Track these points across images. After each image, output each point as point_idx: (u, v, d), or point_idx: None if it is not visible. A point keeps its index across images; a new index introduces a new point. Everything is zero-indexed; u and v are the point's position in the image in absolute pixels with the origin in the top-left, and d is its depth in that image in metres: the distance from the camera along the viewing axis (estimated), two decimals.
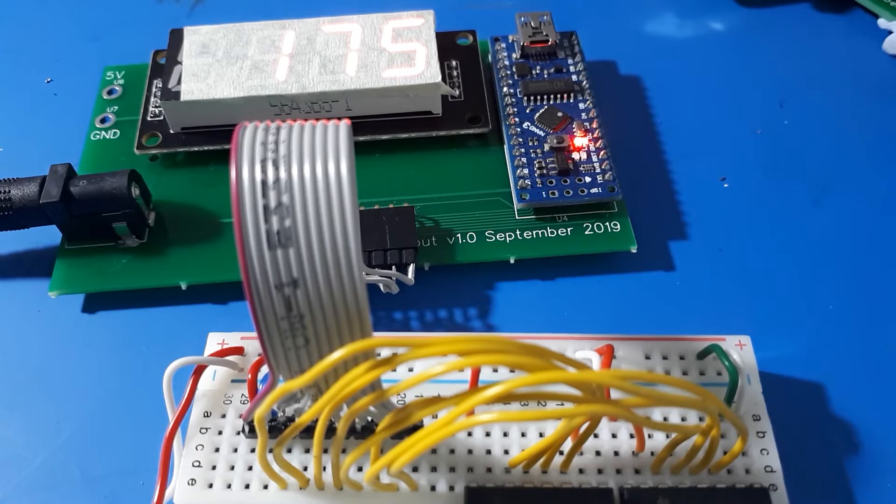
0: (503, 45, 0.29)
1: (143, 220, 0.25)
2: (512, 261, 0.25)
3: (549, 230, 0.25)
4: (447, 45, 0.29)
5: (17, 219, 0.25)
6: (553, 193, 0.25)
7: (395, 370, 0.20)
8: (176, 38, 0.28)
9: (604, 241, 0.25)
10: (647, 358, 0.21)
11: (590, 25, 0.31)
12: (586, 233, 0.25)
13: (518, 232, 0.25)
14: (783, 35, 0.31)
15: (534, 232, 0.25)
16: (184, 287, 0.25)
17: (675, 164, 0.28)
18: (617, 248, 0.25)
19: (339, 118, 0.26)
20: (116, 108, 0.29)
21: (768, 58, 0.30)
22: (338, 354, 0.15)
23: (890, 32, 0.30)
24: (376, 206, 0.25)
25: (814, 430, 0.22)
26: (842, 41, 0.31)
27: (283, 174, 0.15)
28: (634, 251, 0.25)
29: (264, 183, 0.15)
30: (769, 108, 0.29)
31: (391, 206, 0.25)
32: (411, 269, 0.24)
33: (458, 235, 0.25)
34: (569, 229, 0.25)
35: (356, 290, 0.15)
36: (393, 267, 0.24)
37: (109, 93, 0.29)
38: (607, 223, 0.25)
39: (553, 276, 0.25)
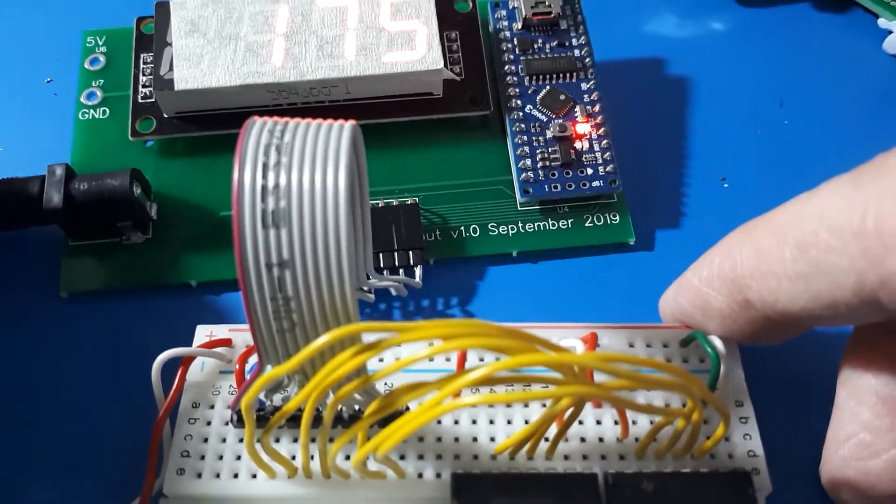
0: (503, 12, 0.29)
1: (147, 216, 0.25)
2: (514, 254, 0.25)
3: (550, 222, 0.26)
4: (445, 13, 0.28)
5: (17, 220, 0.25)
6: (556, 187, 0.26)
7: (381, 360, 0.21)
8: (162, 12, 0.27)
9: (603, 233, 0.26)
10: (631, 346, 0.21)
11: (589, 28, 0.31)
12: (586, 225, 0.26)
13: (520, 224, 0.26)
14: (783, 35, 0.31)
15: (535, 224, 0.26)
16: (194, 285, 0.25)
17: (674, 163, 0.28)
18: (615, 239, 0.26)
19: (339, 101, 0.26)
20: (102, 81, 0.28)
21: (768, 58, 0.30)
22: (323, 339, 0.15)
23: (890, 32, 0.30)
24: (381, 203, 0.25)
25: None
26: (842, 41, 0.31)
27: (284, 159, 0.15)
28: (632, 243, 0.25)
29: (265, 165, 0.15)
30: (769, 108, 0.29)
31: (395, 203, 0.25)
32: (418, 271, 0.24)
33: (462, 229, 0.26)
34: (570, 221, 0.26)
35: (343, 276, 0.15)
36: (401, 270, 0.24)
37: (92, 63, 0.28)
38: (607, 215, 0.26)
39: (553, 266, 0.26)
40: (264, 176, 0.15)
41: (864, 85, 0.30)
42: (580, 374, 0.16)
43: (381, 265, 0.24)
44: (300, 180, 0.15)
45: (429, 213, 0.26)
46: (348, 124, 0.16)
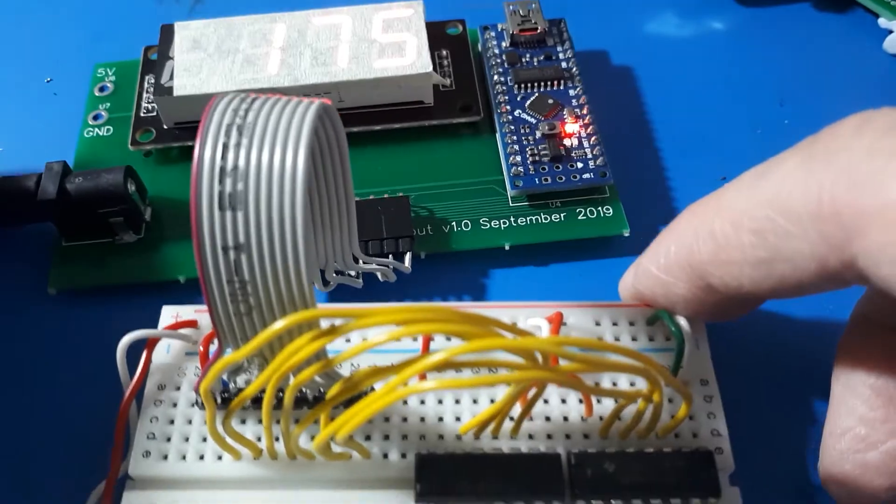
0: (492, 33, 0.30)
1: (140, 215, 0.25)
2: (507, 247, 0.25)
3: (542, 216, 0.26)
4: (437, 35, 0.29)
5: (12, 216, 0.25)
6: (546, 180, 0.26)
7: (348, 340, 0.21)
8: (167, 33, 0.28)
9: (597, 225, 0.25)
10: (598, 324, 0.21)
11: (590, 26, 0.31)
12: (579, 218, 0.26)
13: (512, 219, 0.26)
14: (783, 35, 0.31)
15: (528, 218, 0.26)
16: (182, 281, 0.25)
17: (674, 162, 0.28)
18: (610, 232, 0.25)
19: None
20: (109, 104, 0.29)
21: (768, 57, 0.30)
22: (279, 324, 0.15)
23: (890, 32, 0.30)
24: (371, 197, 0.25)
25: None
26: (842, 41, 0.31)
27: (244, 140, 0.15)
28: (627, 234, 0.25)
29: (225, 146, 0.15)
30: (769, 107, 0.29)
31: (386, 196, 0.25)
32: (408, 256, 0.24)
33: (454, 223, 0.26)
34: (562, 215, 0.26)
35: (299, 261, 0.15)
36: (390, 256, 0.24)
37: (101, 90, 0.30)
38: (600, 208, 0.26)
39: (547, 261, 0.26)
40: (223, 157, 0.15)
41: (864, 85, 0.30)
42: (542, 356, 0.16)
43: (370, 253, 0.24)
44: (258, 163, 0.15)
45: (421, 209, 0.26)
46: (316, 102, 0.16)
